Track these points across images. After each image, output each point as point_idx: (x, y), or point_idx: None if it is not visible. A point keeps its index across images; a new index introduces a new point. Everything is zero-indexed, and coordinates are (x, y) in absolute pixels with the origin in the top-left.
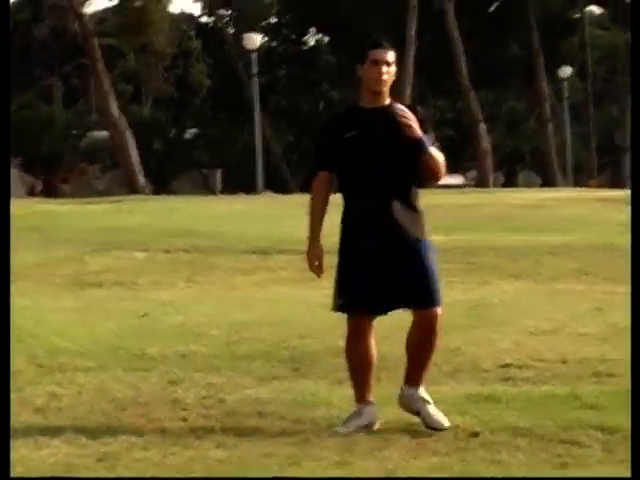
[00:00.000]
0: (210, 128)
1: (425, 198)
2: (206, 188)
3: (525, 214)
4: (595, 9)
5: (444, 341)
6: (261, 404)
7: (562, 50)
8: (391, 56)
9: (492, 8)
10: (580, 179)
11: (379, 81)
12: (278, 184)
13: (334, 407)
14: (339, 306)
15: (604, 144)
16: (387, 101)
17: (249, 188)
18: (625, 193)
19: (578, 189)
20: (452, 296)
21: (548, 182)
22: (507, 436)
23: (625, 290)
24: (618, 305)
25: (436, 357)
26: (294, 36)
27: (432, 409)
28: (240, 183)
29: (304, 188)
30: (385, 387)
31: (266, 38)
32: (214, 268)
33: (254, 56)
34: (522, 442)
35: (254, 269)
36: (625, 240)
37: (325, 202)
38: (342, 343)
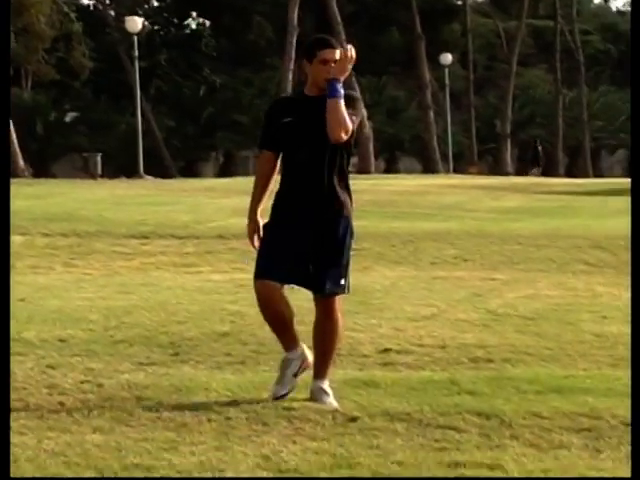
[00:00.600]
0: (91, 112)
1: None
2: (86, 172)
3: (406, 201)
4: None
5: None
6: (139, 389)
7: (444, 37)
8: (338, 54)
9: None
10: (460, 166)
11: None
12: (159, 169)
13: (212, 392)
14: (258, 274)
15: (485, 131)
16: None
17: (130, 172)
18: (504, 180)
19: (458, 176)
20: None
21: (429, 169)
22: (385, 421)
23: (502, 277)
24: (496, 291)
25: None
26: (176, 20)
27: (331, 400)
28: (121, 167)
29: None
30: (263, 373)
31: (148, 22)
32: (94, 252)
33: (135, 39)
34: (400, 427)
35: (134, 254)
36: (499, 226)
37: (267, 180)
38: (221, 328)
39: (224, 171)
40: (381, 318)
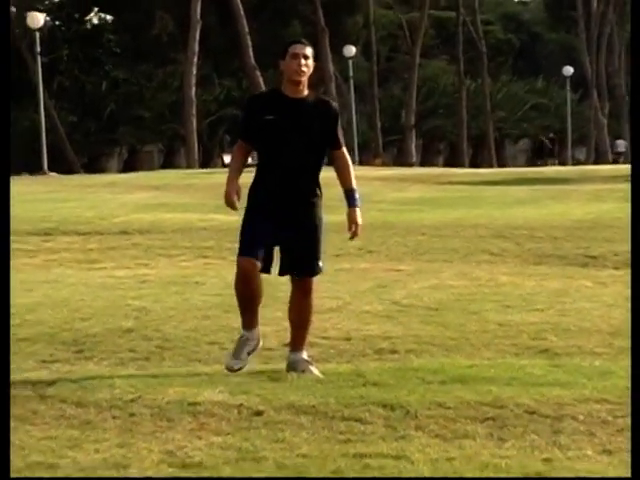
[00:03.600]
0: None
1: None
2: None
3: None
4: None
5: (228, 320)
6: (43, 387)
7: (347, 29)
8: (309, 51)
9: None
10: (365, 158)
11: (299, 72)
12: (63, 165)
13: (116, 388)
14: (241, 252)
15: (389, 123)
16: (306, 92)
17: (33, 169)
18: (407, 171)
19: (363, 167)
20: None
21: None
22: (290, 414)
23: (407, 268)
24: (400, 282)
25: (220, 336)
26: (77, 15)
27: (315, 369)
28: (24, 164)
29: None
30: (167, 368)
31: (49, 17)
32: None
33: (37, 35)
34: (305, 420)
35: (36, 251)
36: (402, 218)
37: (241, 165)
38: (125, 324)
39: (128, 166)
40: (285, 311)
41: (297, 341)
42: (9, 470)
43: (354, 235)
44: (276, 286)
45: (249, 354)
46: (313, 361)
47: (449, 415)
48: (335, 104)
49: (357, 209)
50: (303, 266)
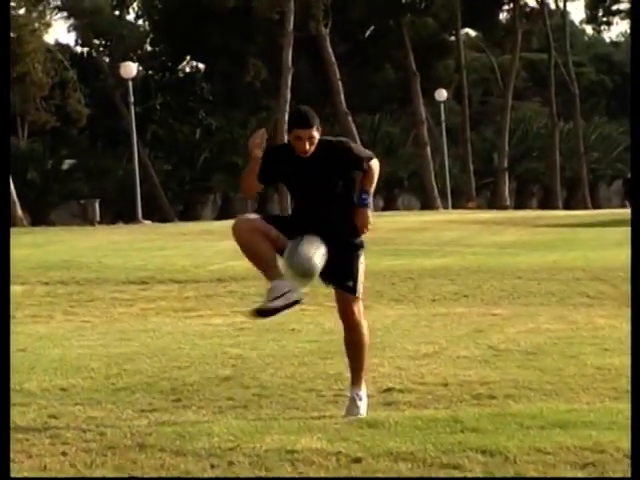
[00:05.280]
0: (88, 158)
1: None
2: (84, 219)
3: (405, 237)
4: (470, 31)
5: (325, 367)
6: (142, 436)
7: (438, 73)
8: (313, 132)
9: (367, 33)
10: (459, 201)
11: (304, 152)
12: (157, 213)
13: (215, 437)
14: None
15: (482, 166)
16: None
17: (128, 218)
18: (502, 214)
19: (457, 211)
20: (333, 321)
21: (427, 205)
22: (389, 461)
23: (503, 312)
24: (497, 326)
25: (317, 383)
26: (170, 64)
27: (355, 407)
28: (119, 213)
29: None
30: (266, 416)
31: (142, 67)
32: (93, 300)
33: (130, 85)
34: (404, 467)
35: (134, 300)
36: (498, 261)
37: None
38: (222, 372)
39: (222, 213)
40: (382, 357)
41: (353, 376)
42: (9, 470)
43: (363, 229)
44: (372, 332)
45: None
46: (366, 397)
47: (549, 461)
48: (337, 139)
49: (367, 210)
50: (341, 276)
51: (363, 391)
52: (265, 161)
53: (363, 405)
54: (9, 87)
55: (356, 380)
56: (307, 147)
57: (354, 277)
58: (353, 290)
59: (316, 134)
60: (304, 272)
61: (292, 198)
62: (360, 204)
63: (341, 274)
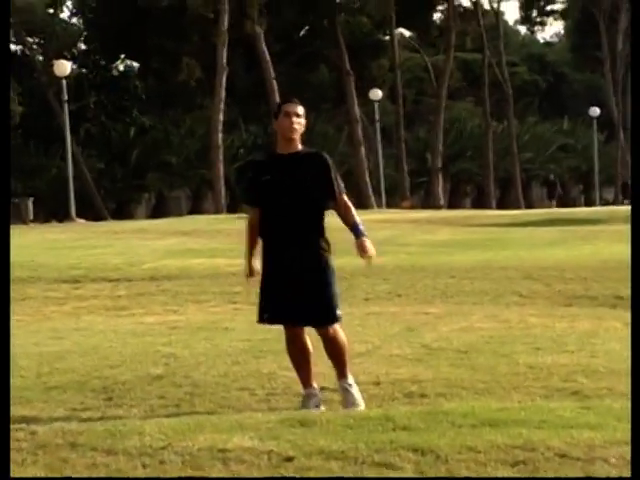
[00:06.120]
0: (21, 156)
1: None
2: (17, 218)
3: (338, 237)
4: (404, 31)
5: (258, 366)
6: (73, 435)
7: (372, 72)
8: (300, 109)
9: (302, 32)
10: (393, 201)
11: (291, 129)
12: (91, 211)
13: (146, 435)
14: (266, 319)
15: (416, 166)
16: (299, 147)
17: (62, 216)
18: (436, 213)
19: (391, 210)
20: None
21: (361, 204)
22: (321, 460)
23: (436, 311)
24: (430, 325)
25: (249, 382)
26: (104, 62)
27: (350, 396)
28: (53, 211)
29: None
30: (198, 415)
31: (76, 65)
32: (26, 298)
33: (64, 83)
34: (335, 465)
35: (66, 298)
36: (432, 260)
37: (257, 229)
38: (154, 371)
39: (156, 212)
40: (315, 356)
41: (338, 370)
42: (9, 470)
43: (369, 257)
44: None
45: (317, 407)
46: (356, 385)
47: (480, 459)
48: (325, 155)
49: (365, 238)
50: (319, 317)
51: (351, 379)
52: (250, 186)
53: (356, 392)
54: (9, 87)
55: (342, 374)
56: (294, 124)
57: (329, 305)
58: (332, 320)
59: (302, 115)
60: None
61: (267, 220)
62: (358, 234)
63: (316, 310)
